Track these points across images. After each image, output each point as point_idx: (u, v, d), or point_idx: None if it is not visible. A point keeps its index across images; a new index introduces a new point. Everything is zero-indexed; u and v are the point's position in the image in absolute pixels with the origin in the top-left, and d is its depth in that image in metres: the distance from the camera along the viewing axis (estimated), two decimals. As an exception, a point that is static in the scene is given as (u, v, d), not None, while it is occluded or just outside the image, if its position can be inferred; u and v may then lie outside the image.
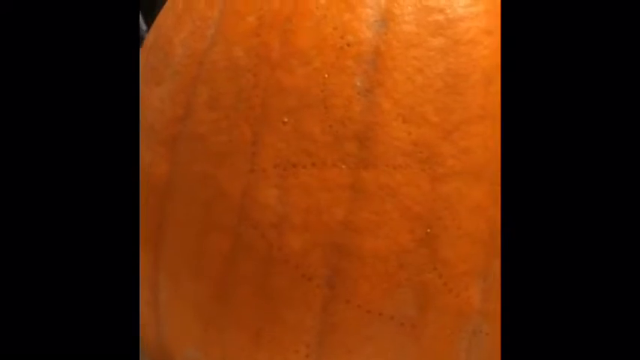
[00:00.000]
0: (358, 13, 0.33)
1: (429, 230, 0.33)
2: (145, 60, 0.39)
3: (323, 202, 0.33)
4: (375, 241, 0.33)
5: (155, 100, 0.37)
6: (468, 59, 0.34)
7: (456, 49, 0.34)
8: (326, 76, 0.33)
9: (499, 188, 0.34)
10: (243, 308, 0.34)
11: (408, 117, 0.33)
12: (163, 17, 0.40)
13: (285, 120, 0.33)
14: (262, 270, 0.33)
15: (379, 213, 0.33)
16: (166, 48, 0.37)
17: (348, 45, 0.33)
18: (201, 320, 0.36)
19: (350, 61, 0.33)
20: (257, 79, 0.33)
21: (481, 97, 0.34)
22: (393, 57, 0.33)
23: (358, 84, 0.33)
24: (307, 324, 0.34)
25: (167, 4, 0.41)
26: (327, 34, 0.33)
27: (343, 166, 0.33)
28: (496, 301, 0.35)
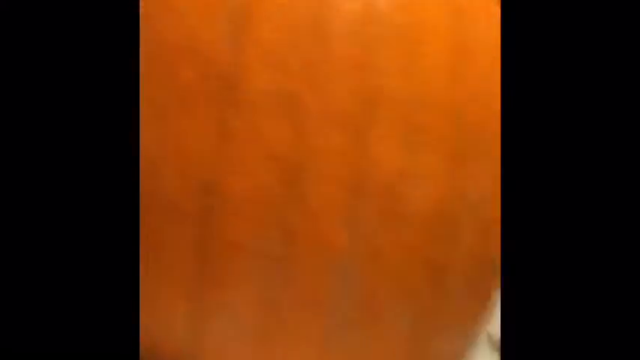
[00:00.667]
0: (227, -36, 0.35)
1: (293, 172, 0.35)
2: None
3: (192, 143, 0.35)
4: (241, 181, 0.35)
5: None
6: (335, 9, 0.35)
7: (322, -2, 0.35)
8: (195, 24, 0.35)
9: (361, 135, 0.35)
10: (143, 255, 0.37)
11: (274, 64, 0.35)
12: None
13: (161, 68, 0.35)
14: (144, 214, 0.36)
15: (245, 154, 0.35)
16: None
17: (217, -6, 0.35)
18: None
19: (218, 9, 0.35)
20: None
21: (347, 46, 0.35)
22: (260, 5, 0.35)
23: (226, 31, 0.35)
24: (184, 261, 0.36)
25: None
26: (196, -15, 0.35)
27: (211, 109, 0.35)
28: (364, 242, 0.36)
